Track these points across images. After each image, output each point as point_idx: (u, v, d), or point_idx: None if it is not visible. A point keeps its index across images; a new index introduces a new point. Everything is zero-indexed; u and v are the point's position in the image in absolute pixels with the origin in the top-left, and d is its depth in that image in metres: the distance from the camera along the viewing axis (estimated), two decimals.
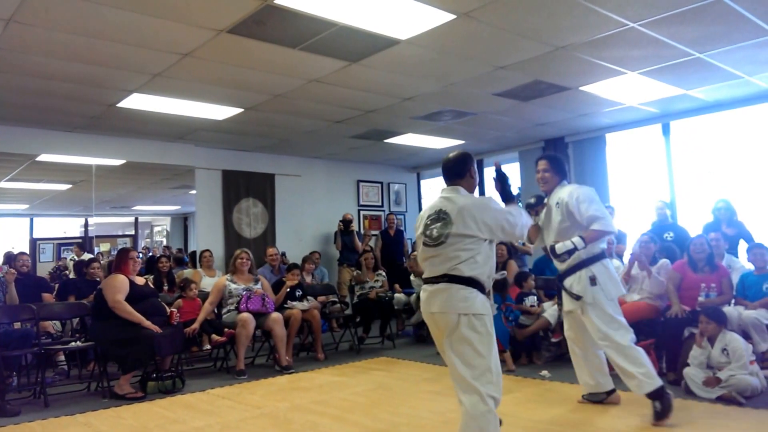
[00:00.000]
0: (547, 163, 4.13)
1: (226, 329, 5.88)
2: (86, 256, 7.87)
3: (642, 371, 3.69)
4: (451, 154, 3.19)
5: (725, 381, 4.17)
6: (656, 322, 5.14)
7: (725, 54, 5.32)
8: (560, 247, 3.78)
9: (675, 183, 7.79)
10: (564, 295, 4.02)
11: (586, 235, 3.76)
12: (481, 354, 2.82)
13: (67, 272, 8.65)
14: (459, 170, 3.12)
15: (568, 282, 3.95)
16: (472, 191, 3.15)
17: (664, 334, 4.95)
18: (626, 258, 6.10)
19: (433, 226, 2.98)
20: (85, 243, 9.57)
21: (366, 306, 7.23)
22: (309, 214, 9.72)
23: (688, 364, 4.47)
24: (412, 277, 7.64)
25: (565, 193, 3.96)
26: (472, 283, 2.88)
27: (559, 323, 5.63)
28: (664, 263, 5.28)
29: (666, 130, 7.84)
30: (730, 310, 4.76)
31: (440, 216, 2.98)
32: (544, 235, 4.13)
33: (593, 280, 3.83)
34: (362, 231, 9.95)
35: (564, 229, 3.90)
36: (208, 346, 5.94)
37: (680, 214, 7.62)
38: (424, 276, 3.07)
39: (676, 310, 4.88)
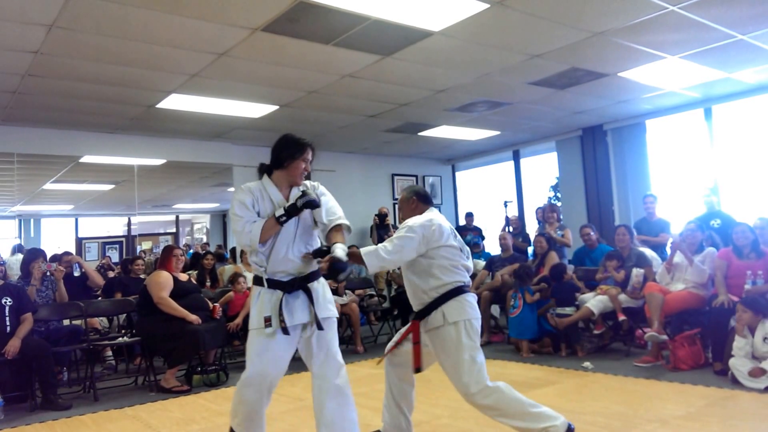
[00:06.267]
0: None
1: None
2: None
3: None
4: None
5: None
6: (701, 311, 5.05)
7: None
8: None
9: (718, 168, 7.59)
10: None
11: None
12: None
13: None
14: None
15: None
16: None
17: (710, 323, 4.86)
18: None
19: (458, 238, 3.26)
20: (127, 241, 9.81)
21: (403, 299, 7.20)
22: (345, 209, 9.40)
23: (733, 355, 4.38)
24: None
25: None
26: None
27: (602, 314, 5.56)
28: (709, 252, 5.16)
29: (708, 115, 7.63)
30: None
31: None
32: None
33: None
34: (397, 224, 9.93)
35: None
36: None
37: (724, 200, 7.42)
38: (465, 282, 3.19)
39: (722, 300, 4.76)
